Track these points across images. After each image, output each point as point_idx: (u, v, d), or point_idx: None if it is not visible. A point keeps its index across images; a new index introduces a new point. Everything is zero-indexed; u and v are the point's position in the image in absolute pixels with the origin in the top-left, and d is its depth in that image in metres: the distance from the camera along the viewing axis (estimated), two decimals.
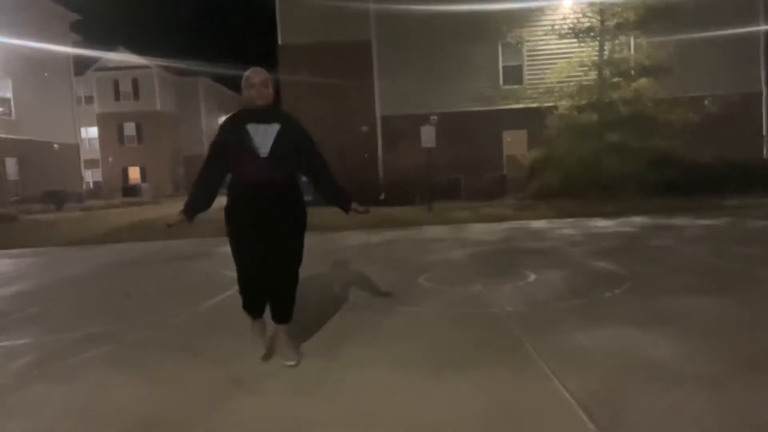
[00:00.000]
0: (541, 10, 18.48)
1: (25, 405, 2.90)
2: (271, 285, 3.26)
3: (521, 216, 12.15)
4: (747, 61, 18.01)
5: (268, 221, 3.14)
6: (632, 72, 15.66)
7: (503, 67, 19.24)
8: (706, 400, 2.54)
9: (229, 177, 3.26)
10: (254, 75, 3.22)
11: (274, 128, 3.17)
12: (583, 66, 15.94)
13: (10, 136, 23.69)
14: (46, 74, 26.00)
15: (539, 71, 18.08)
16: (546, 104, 16.19)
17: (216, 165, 3.23)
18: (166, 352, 3.66)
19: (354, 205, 3.43)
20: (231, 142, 3.18)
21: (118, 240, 10.80)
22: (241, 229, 3.20)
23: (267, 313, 3.40)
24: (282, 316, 3.33)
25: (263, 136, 3.14)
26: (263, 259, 3.17)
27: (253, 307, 3.38)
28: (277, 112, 3.29)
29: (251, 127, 3.15)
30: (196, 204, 3.24)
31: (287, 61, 21.33)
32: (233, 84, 47.75)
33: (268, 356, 3.37)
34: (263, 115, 3.19)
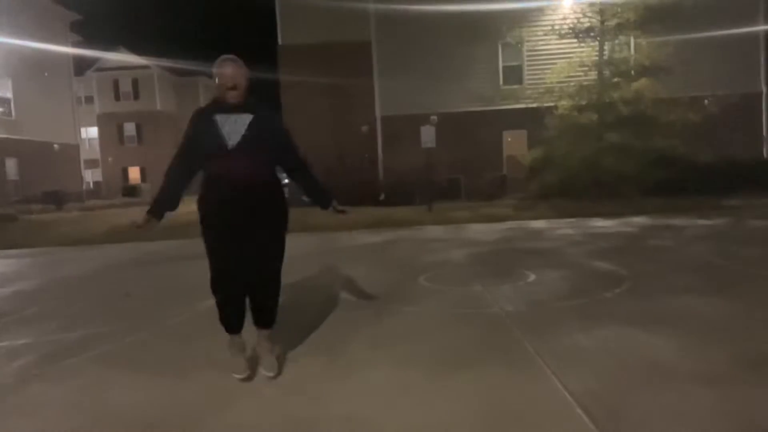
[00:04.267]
0: (541, 10, 18.48)
1: (25, 405, 2.90)
2: (251, 288, 3.08)
3: (521, 216, 12.15)
4: (747, 61, 18.02)
5: (242, 220, 2.93)
6: (632, 72, 15.66)
7: (503, 67, 19.25)
8: (706, 399, 2.54)
9: (201, 173, 3.04)
10: (225, 67, 2.96)
11: (245, 119, 2.95)
12: (583, 66, 15.93)
13: (10, 136, 23.70)
14: (46, 74, 26.00)
15: (539, 71, 18.07)
16: (546, 104, 16.18)
17: (183, 161, 3.01)
18: (166, 352, 3.66)
19: (334, 203, 3.28)
20: (198, 135, 2.96)
21: (118, 240, 10.80)
22: (213, 229, 2.98)
23: (248, 328, 3.20)
24: (264, 321, 3.16)
25: (232, 127, 2.93)
26: (238, 261, 2.96)
27: (229, 319, 3.12)
28: (249, 103, 3.04)
29: (220, 118, 2.94)
30: (162, 203, 3.01)
31: (287, 61, 21.34)
32: None
33: (250, 377, 3.05)
34: (234, 106, 2.97)
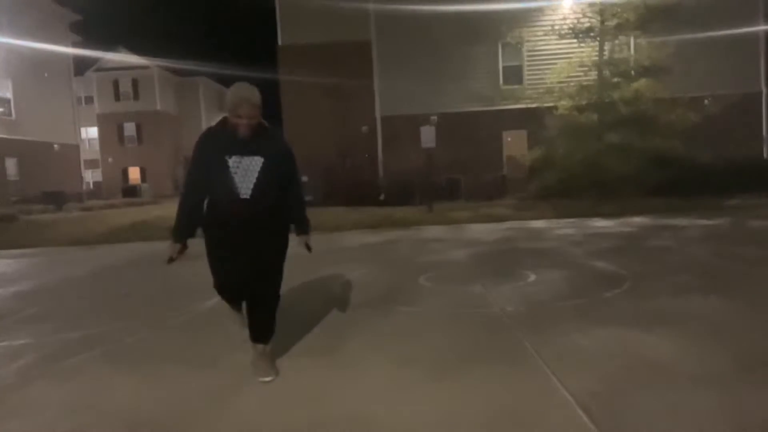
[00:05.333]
0: (541, 10, 18.48)
1: (26, 405, 2.90)
2: (250, 305, 3.15)
3: (521, 216, 12.16)
4: (747, 61, 18.02)
5: (244, 240, 3.01)
6: (632, 72, 15.67)
7: (503, 67, 19.25)
8: (706, 400, 2.54)
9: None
10: (242, 99, 2.89)
11: (257, 163, 2.94)
12: (583, 66, 15.94)
13: (10, 136, 23.69)
14: (46, 74, 26.01)
15: (539, 71, 18.08)
16: (546, 104, 16.19)
17: (195, 191, 3.04)
18: (166, 352, 3.66)
19: (307, 238, 3.27)
20: (209, 170, 2.96)
21: (118, 240, 10.80)
22: (218, 249, 3.08)
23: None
24: (261, 336, 3.17)
25: (245, 174, 2.92)
26: (239, 276, 3.05)
27: (232, 304, 3.35)
28: (263, 138, 2.99)
29: (233, 162, 2.91)
30: (183, 230, 3.05)
31: (287, 61, 21.33)
32: (233, 84, 47.67)
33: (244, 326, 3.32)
34: (247, 144, 2.93)
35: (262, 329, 3.16)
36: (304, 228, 3.26)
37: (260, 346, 3.17)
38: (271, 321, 3.18)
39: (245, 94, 2.91)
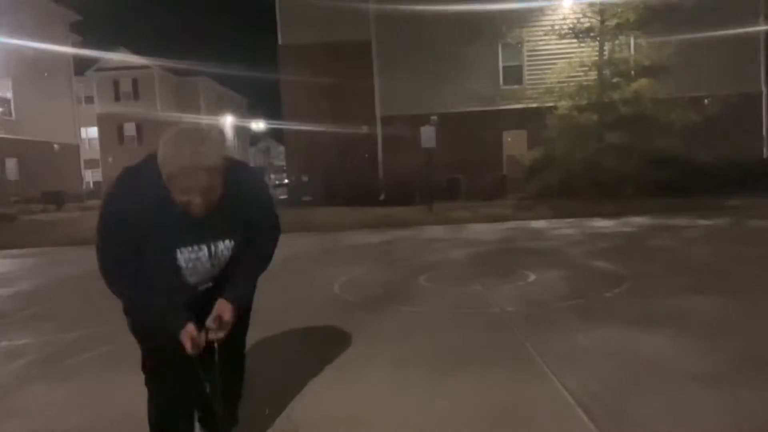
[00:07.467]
0: (541, 10, 18.48)
1: (26, 405, 2.90)
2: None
3: (521, 216, 12.16)
4: (747, 61, 18.01)
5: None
6: (632, 72, 15.67)
7: (503, 67, 19.26)
8: (706, 399, 2.54)
9: None
10: (184, 168, 1.65)
11: (226, 247, 1.92)
12: (583, 66, 15.94)
13: (10, 136, 23.68)
14: (46, 74, 26.00)
15: (539, 71, 18.07)
16: (546, 104, 16.19)
17: (141, 279, 1.87)
18: None
19: (226, 308, 1.91)
20: (140, 258, 1.84)
21: None
22: (163, 359, 2.03)
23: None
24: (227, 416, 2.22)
25: (205, 265, 1.91)
26: (200, 385, 2.03)
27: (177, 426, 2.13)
28: (229, 201, 1.80)
29: (185, 257, 1.86)
30: (173, 323, 1.88)
31: (287, 61, 21.35)
32: (233, 84, 47.84)
33: None
34: (206, 224, 1.79)
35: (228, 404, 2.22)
36: (237, 293, 1.97)
37: None
38: (237, 400, 2.31)
39: (186, 157, 1.64)
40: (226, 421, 2.19)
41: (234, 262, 1.98)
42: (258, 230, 2.00)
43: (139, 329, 2.07)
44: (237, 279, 1.98)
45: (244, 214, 1.90)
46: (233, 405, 2.22)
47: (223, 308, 1.90)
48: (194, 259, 1.87)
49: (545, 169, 15.44)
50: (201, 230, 1.80)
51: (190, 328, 1.85)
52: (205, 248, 1.88)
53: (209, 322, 1.89)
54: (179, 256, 1.85)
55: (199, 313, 1.92)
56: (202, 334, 1.88)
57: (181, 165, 1.64)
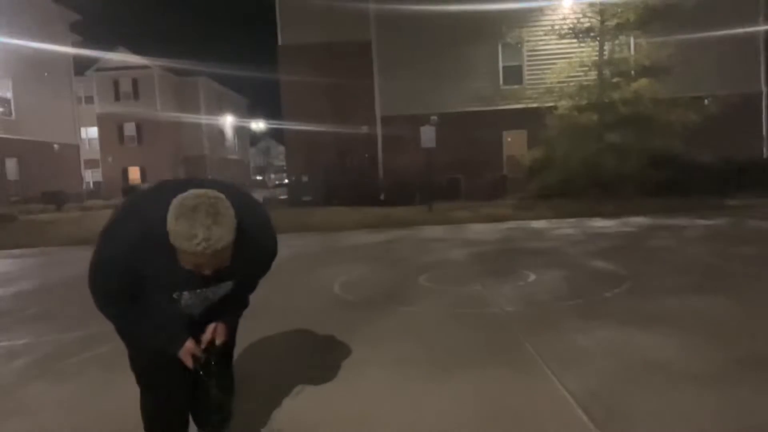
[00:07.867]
0: (541, 10, 18.47)
1: (25, 405, 2.90)
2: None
3: (521, 216, 12.16)
4: (747, 61, 18.00)
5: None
6: (632, 72, 15.66)
7: (503, 67, 19.25)
8: (706, 399, 2.54)
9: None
10: (194, 253, 1.60)
11: (225, 288, 1.93)
12: (583, 66, 15.93)
13: (10, 136, 23.69)
14: (46, 74, 26.01)
15: (539, 71, 18.07)
16: (546, 104, 16.18)
17: (138, 312, 1.89)
18: None
19: (219, 338, 1.99)
20: (138, 299, 1.86)
21: None
22: (153, 366, 2.10)
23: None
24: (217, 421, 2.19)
25: (200, 300, 1.92)
26: (186, 393, 2.12)
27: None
28: (237, 250, 1.72)
29: (186, 299, 1.88)
30: (174, 338, 1.93)
31: (287, 61, 21.33)
32: (233, 84, 47.83)
33: None
34: (209, 277, 1.77)
35: (214, 417, 2.18)
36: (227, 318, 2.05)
37: None
38: (228, 406, 2.22)
39: (199, 246, 1.58)
40: (222, 417, 2.22)
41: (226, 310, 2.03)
42: (258, 268, 2.05)
43: (134, 352, 2.13)
44: (227, 308, 2.04)
45: (248, 260, 1.89)
46: (228, 400, 2.23)
47: (217, 331, 1.98)
48: (194, 298, 1.90)
49: (545, 169, 15.44)
50: (204, 278, 1.78)
51: (190, 345, 1.90)
52: (206, 291, 1.90)
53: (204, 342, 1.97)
54: (179, 297, 1.87)
55: (191, 323, 1.97)
56: (199, 347, 1.94)
57: (193, 251, 1.60)
